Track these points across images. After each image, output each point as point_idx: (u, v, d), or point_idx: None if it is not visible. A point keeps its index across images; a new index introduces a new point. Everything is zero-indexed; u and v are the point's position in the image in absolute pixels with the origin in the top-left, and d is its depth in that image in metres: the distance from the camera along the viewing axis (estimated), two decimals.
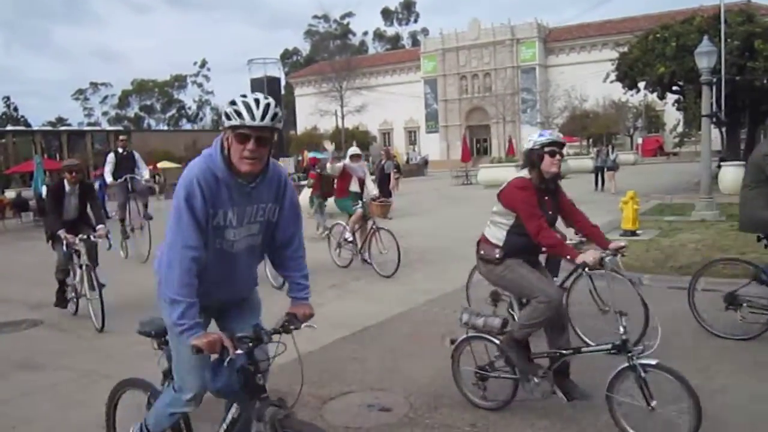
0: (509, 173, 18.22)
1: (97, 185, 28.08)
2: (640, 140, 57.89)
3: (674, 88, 22.27)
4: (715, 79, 13.75)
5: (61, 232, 6.95)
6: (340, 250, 9.85)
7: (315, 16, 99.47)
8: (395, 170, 27.44)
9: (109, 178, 11.74)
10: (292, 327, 2.81)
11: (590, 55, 64.20)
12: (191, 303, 2.50)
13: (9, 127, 78.60)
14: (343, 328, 6.25)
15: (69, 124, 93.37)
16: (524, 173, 4.02)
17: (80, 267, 7.06)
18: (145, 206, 11.86)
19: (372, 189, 10.07)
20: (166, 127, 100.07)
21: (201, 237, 2.54)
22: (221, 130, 2.64)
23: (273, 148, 2.61)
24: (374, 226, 9.23)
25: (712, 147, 14.04)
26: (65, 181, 7.24)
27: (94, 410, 4.45)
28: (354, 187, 9.80)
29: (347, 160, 10.09)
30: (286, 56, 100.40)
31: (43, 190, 22.46)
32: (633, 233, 10.67)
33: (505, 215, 4.01)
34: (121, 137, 12.52)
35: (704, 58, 12.90)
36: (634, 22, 55.99)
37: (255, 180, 2.62)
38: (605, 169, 22.74)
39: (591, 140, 54.02)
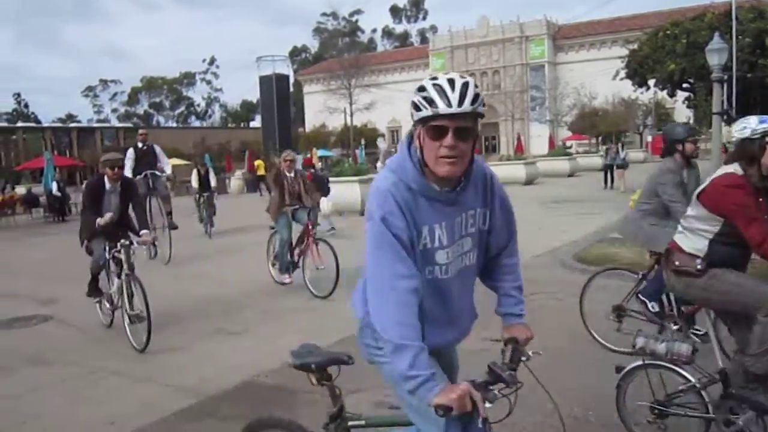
0: (517, 171, 18.42)
1: None
2: (649, 138, 57.47)
3: (684, 85, 22.14)
4: (726, 77, 13.66)
5: (101, 220, 6.23)
6: None
7: (324, 14, 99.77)
8: None
9: (128, 174, 10.97)
10: (522, 358, 2.23)
11: (600, 53, 63.92)
12: (420, 348, 1.92)
13: (20, 124, 79.19)
14: (353, 324, 6.22)
15: (79, 121, 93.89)
16: (735, 168, 3.22)
17: (118, 276, 6.20)
18: (169, 214, 11.25)
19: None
20: (175, 125, 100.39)
21: (412, 263, 2.01)
22: (412, 127, 2.10)
23: (476, 141, 2.03)
24: None
25: (722, 143, 13.94)
26: (105, 178, 6.46)
27: (103, 407, 4.48)
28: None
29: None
30: (295, 53, 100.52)
31: (54, 186, 22.64)
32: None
33: (708, 221, 3.26)
34: (141, 131, 11.80)
35: (715, 55, 12.81)
36: (644, 19, 55.74)
37: (459, 184, 2.07)
38: (615, 167, 22.64)
39: (600, 138, 53.79)
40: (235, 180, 36.66)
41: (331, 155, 50.27)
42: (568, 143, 51.15)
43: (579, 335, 5.56)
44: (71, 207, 23.95)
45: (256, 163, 33.48)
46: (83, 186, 6.69)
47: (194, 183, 15.29)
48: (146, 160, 11.19)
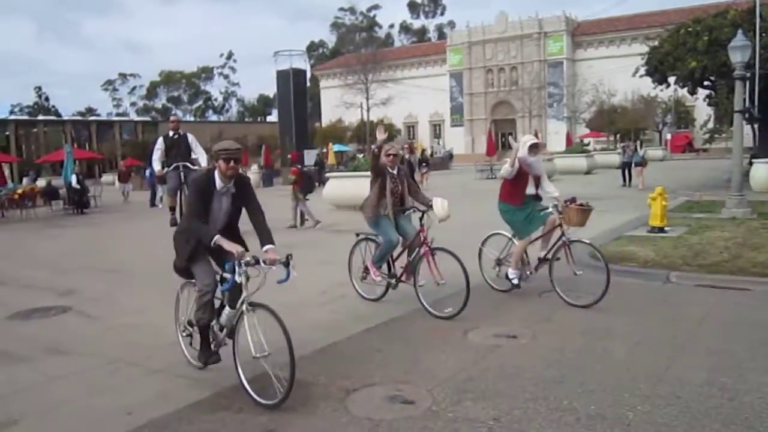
0: None
1: (147, 174, 28.37)
2: (668, 136, 56.92)
3: (705, 83, 21.85)
4: (748, 75, 13.45)
5: (222, 240, 4.37)
6: (499, 270, 7.36)
7: (341, 9, 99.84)
8: (424, 165, 27.28)
9: (157, 167, 10.11)
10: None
11: (619, 50, 63.29)
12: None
13: (41, 117, 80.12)
14: (366, 320, 6.25)
15: (98, 115, 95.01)
16: None
17: (231, 305, 4.57)
18: None
19: (553, 189, 7.17)
20: (192, 119, 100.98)
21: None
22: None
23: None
24: (565, 239, 6.81)
25: (743, 143, 13.77)
26: (216, 174, 4.57)
27: (120, 397, 4.52)
28: (530, 189, 7.06)
29: (522, 152, 6.96)
30: (312, 48, 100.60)
31: (73, 179, 22.88)
32: (661, 230, 10.51)
33: None
34: (172, 117, 10.51)
35: (738, 52, 12.63)
36: (665, 15, 55.07)
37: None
38: (633, 165, 22.47)
39: (618, 135, 53.32)
40: (252, 174, 36.80)
41: (347, 150, 50.31)
42: (586, 140, 50.70)
43: (597, 332, 5.53)
44: (89, 200, 24.19)
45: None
46: (190, 183, 4.63)
47: None
48: (178, 150, 10.09)
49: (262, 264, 4.39)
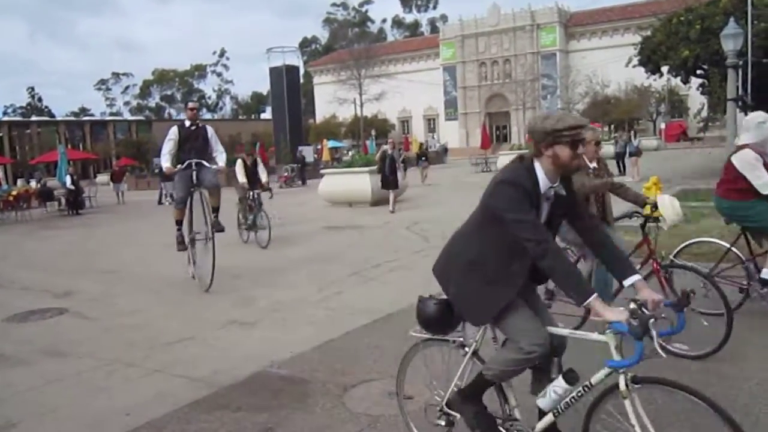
0: None
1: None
2: (663, 125, 57.01)
3: (698, 71, 21.85)
4: (741, 62, 13.48)
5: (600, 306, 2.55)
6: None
7: (333, 4, 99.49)
8: (423, 159, 26.92)
9: (165, 163, 7.93)
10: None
11: (612, 40, 63.28)
12: None
13: (34, 118, 79.78)
14: (364, 315, 6.25)
15: (92, 115, 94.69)
16: None
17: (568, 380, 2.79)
18: (216, 210, 8.16)
19: None
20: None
21: None
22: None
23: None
24: None
25: (737, 131, 13.79)
26: (538, 167, 2.85)
27: (117, 398, 4.52)
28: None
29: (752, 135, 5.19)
30: (305, 44, 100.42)
31: (68, 179, 22.81)
32: (656, 219, 10.51)
33: None
34: (191, 104, 8.46)
35: (730, 40, 12.65)
36: (658, 5, 54.98)
37: None
38: (628, 155, 22.52)
39: (613, 126, 53.39)
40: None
41: (341, 146, 50.28)
42: None
43: (597, 327, 5.53)
44: (84, 200, 24.14)
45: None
46: (497, 183, 2.93)
47: (241, 177, 11.96)
48: (194, 144, 8.02)
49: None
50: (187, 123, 8.22)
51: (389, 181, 16.19)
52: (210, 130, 8.37)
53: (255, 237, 11.80)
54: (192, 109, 8.36)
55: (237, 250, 11.50)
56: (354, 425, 3.81)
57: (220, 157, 8.46)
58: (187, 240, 8.38)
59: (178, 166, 7.96)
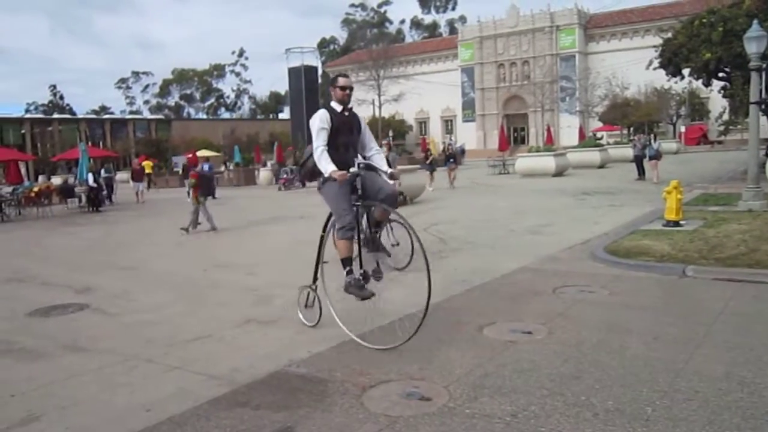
0: (547, 163, 18.25)
1: (206, 168, 28.45)
2: (683, 128, 56.43)
3: (720, 74, 21.60)
4: (764, 65, 13.29)
5: None
6: None
7: (352, 5, 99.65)
8: (451, 160, 26.18)
9: (327, 165, 5.24)
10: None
11: (632, 42, 62.73)
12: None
13: (55, 115, 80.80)
14: (381, 316, 6.25)
15: (112, 113, 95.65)
16: None
17: None
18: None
19: None
20: (205, 116, 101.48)
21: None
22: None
23: None
24: None
25: (760, 135, 13.61)
26: None
27: (138, 394, 4.56)
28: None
29: None
30: (323, 45, 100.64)
31: (90, 177, 23.08)
32: (676, 224, 10.42)
33: None
34: (342, 81, 5.68)
35: (753, 43, 12.48)
36: (679, 6, 54.51)
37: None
38: (648, 158, 22.33)
39: (632, 129, 52.92)
40: (264, 171, 36.91)
41: None
42: (599, 134, 50.43)
43: (614, 327, 5.50)
44: (104, 198, 24.43)
45: (144, 163, 33.50)
46: None
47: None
48: (349, 137, 5.60)
49: None
50: (338, 107, 5.60)
51: None
52: (362, 122, 5.88)
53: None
54: (344, 88, 5.61)
55: (249, 247, 11.57)
56: (373, 425, 3.81)
57: (380, 157, 5.79)
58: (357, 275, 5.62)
59: (332, 171, 5.16)
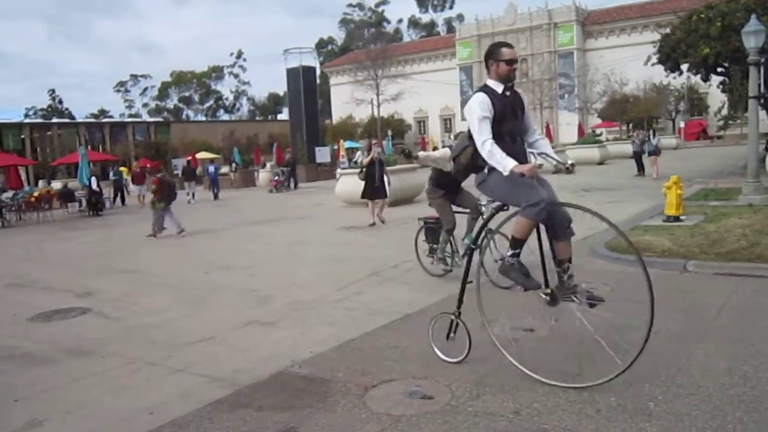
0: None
1: (211, 169, 28.55)
2: (682, 124, 56.41)
3: (719, 69, 21.61)
4: (763, 60, 13.29)
5: None
6: None
7: (350, 5, 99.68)
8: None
9: (508, 161, 4.24)
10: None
11: (630, 38, 62.74)
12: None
13: (54, 120, 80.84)
14: (383, 315, 6.26)
15: (111, 116, 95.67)
16: None
17: None
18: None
19: None
20: (204, 118, 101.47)
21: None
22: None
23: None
24: None
25: (759, 129, 13.62)
26: None
27: (141, 397, 4.57)
28: None
29: None
30: (321, 45, 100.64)
31: (93, 181, 23.10)
32: (677, 219, 10.43)
33: None
34: (506, 52, 4.51)
35: (752, 37, 12.48)
36: (677, 2, 54.43)
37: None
38: (647, 154, 22.34)
39: (631, 125, 52.91)
40: (263, 173, 36.87)
41: (357, 146, 50.30)
42: (598, 131, 50.41)
43: (614, 323, 5.49)
44: (105, 202, 24.45)
45: (121, 168, 33.29)
46: None
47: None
48: (514, 123, 4.61)
49: None
50: (499, 87, 4.54)
51: (378, 189, 13.59)
52: (525, 96, 4.91)
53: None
54: (511, 62, 4.51)
55: (249, 249, 11.57)
56: (375, 425, 3.82)
57: (546, 145, 4.84)
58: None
59: (509, 165, 4.22)
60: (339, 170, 35.94)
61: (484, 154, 4.38)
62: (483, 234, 5.59)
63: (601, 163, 31.55)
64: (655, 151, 22.09)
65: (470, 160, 4.61)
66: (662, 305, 5.79)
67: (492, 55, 4.55)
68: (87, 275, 10.12)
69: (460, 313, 4.85)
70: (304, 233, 13.53)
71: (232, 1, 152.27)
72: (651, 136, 23.94)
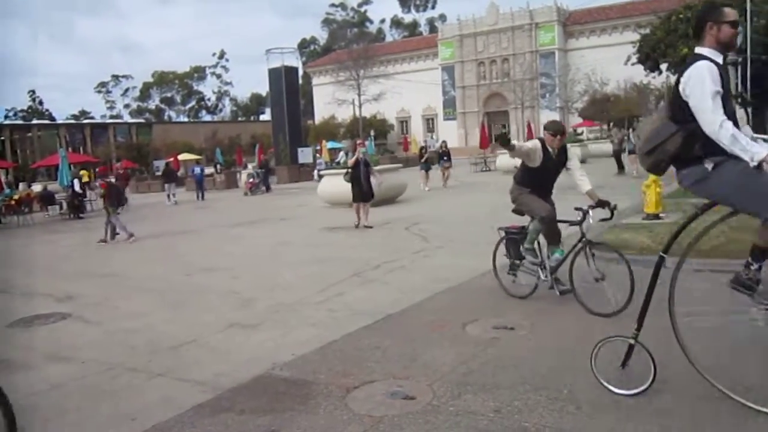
0: None
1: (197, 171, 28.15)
2: None
3: None
4: (740, 59, 13.50)
5: None
6: None
7: (332, 5, 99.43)
8: (445, 158, 25.15)
9: (751, 146, 3.44)
10: None
11: (611, 38, 63.19)
12: None
13: (35, 121, 79.91)
14: (365, 316, 6.28)
15: (92, 117, 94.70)
16: None
17: None
18: None
19: None
20: (186, 119, 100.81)
21: None
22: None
23: None
24: None
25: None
26: None
27: (123, 402, 4.54)
28: None
29: None
30: (304, 45, 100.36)
31: (76, 183, 22.88)
32: (656, 216, 10.55)
33: None
34: (728, 10, 3.69)
35: None
36: (657, 2, 54.86)
37: None
38: (627, 153, 22.60)
39: (611, 124, 53.34)
40: (245, 174, 36.71)
41: (340, 147, 50.26)
42: (579, 130, 50.82)
43: (593, 320, 5.56)
44: (86, 204, 24.18)
45: (81, 172, 32.82)
46: None
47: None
48: (730, 105, 3.76)
49: None
50: (718, 58, 3.76)
51: (364, 191, 13.29)
52: None
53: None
54: (734, 24, 3.76)
55: (231, 251, 11.53)
56: (357, 426, 3.83)
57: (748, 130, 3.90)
58: None
59: (762, 153, 3.37)
60: (316, 171, 36.00)
61: (723, 139, 3.46)
62: (579, 246, 5.56)
63: (582, 161, 31.63)
64: (635, 150, 22.32)
65: (682, 149, 3.71)
66: (642, 301, 5.83)
67: (710, 15, 3.69)
68: (67, 279, 10.03)
69: (638, 335, 4.06)
70: (286, 234, 13.51)
71: (215, 0, 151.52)
72: (631, 135, 24.17)
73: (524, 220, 6.75)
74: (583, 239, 5.80)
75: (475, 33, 70.47)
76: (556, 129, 6.32)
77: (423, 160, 23.96)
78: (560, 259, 6.24)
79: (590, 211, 6.02)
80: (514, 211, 6.72)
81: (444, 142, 26.17)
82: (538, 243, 6.55)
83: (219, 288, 8.36)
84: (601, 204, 5.93)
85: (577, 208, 6.00)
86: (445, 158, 24.18)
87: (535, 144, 6.41)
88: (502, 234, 6.80)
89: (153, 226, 17.14)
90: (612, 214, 6.03)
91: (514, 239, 6.63)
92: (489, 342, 5.26)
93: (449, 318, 6.01)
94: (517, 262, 6.60)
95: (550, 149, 6.31)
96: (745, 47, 14.77)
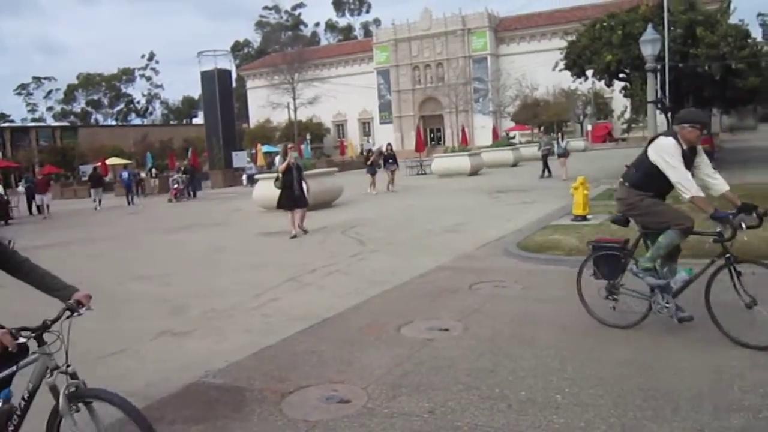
0: (462, 162, 18.55)
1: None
2: (589, 127, 59.13)
3: (621, 75, 22.78)
4: (659, 66, 14.13)
5: None
6: None
7: (266, 7, 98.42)
8: (391, 161, 24.91)
9: None
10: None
11: (540, 44, 65.11)
12: None
13: None
14: (300, 321, 6.23)
15: (12, 121, 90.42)
16: None
17: None
18: None
19: None
20: (114, 122, 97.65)
21: None
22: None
23: None
24: None
25: (658, 132, 14.44)
26: None
27: (46, 417, 4.34)
28: None
29: None
30: (237, 48, 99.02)
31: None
32: (584, 218, 10.91)
33: None
34: None
35: (649, 45, 13.26)
36: (582, 11, 56.94)
37: None
38: (556, 156, 23.25)
39: (542, 128, 54.90)
40: (171, 180, 35.79)
41: (276, 151, 49.85)
42: (512, 134, 52.07)
43: (526, 320, 5.70)
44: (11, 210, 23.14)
45: None
46: None
47: None
48: None
49: None
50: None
51: (298, 198, 12.58)
52: None
53: None
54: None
55: (164, 257, 11.25)
56: (292, 431, 3.80)
57: None
58: None
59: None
60: (245, 176, 35.45)
61: None
62: (718, 263, 4.61)
63: (514, 164, 32.58)
64: (565, 153, 23.03)
65: None
66: (570, 301, 6.00)
67: None
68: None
69: None
70: (221, 240, 13.26)
71: (143, 1, 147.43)
72: (560, 139, 24.91)
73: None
74: (728, 255, 4.62)
75: (410, 37, 71.25)
76: (703, 121, 4.95)
77: (369, 164, 24.00)
78: (688, 280, 4.98)
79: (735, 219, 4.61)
80: (616, 221, 5.51)
81: (389, 144, 26.11)
82: (660, 261, 5.14)
83: (151, 295, 8.12)
84: (746, 208, 4.61)
85: (713, 217, 4.61)
86: (391, 161, 23.98)
87: (677, 149, 4.85)
88: (590, 249, 5.51)
89: (80, 233, 16.53)
90: (761, 220, 4.60)
91: (611, 255, 5.33)
92: (423, 343, 5.31)
93: (384, 320, 6.04)
94: (614, 283, 5.33)
95: (685, 146, 4.85)
96: (663, 55, 15.45)
